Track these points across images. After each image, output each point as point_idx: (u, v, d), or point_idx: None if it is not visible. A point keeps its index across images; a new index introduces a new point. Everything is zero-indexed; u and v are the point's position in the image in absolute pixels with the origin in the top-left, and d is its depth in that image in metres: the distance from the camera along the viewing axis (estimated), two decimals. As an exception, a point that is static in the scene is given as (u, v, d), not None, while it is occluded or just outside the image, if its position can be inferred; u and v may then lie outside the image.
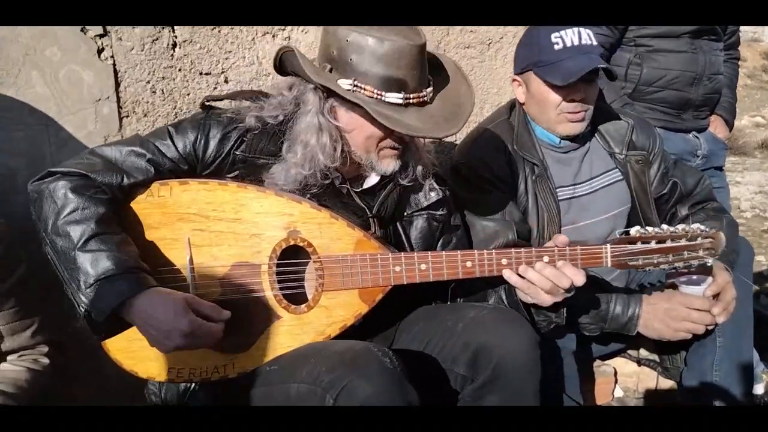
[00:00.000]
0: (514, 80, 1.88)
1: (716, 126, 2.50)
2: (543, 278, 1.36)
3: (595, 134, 1.93)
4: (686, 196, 1.96)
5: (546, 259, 1.39)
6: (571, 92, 1.74)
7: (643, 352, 2.12)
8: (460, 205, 1.78)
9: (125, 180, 1.33)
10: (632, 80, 2.33)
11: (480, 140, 1.88)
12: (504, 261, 1.39)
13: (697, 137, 2.44)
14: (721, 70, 2.41)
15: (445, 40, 2.25)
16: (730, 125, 2.56)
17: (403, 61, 1.30)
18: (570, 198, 1.87)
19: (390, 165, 1.41)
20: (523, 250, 1.40)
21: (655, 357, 2.09)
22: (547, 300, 1.39)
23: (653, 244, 1.43)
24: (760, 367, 2.17)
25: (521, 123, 1.88)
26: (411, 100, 1.32)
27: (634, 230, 1.43)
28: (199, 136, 1.39)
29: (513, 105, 1.94)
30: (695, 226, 1.46)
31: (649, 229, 1.44)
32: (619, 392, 2.13)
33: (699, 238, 1.45)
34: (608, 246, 1.42)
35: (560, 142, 1.87)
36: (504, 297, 1.51)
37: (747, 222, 5.27)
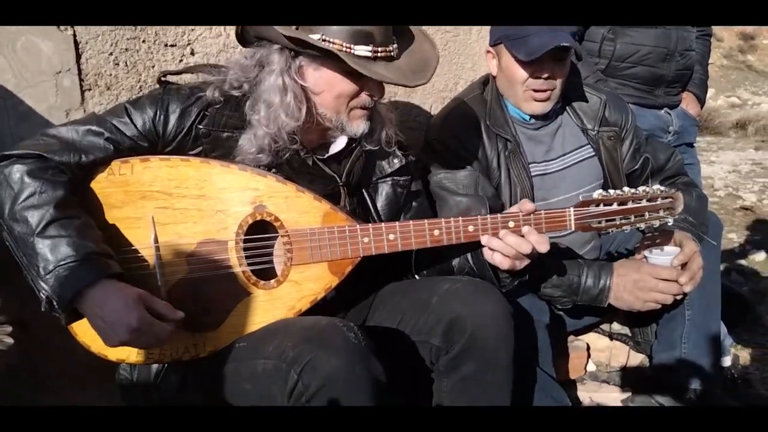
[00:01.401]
0: (488, 52, 1.88)
1: (688, 102, 2.52)
2: (507, 246, 1.38)
3: (568, 110, 1.93)
4: (657, 171, 1.98)
5: (511, 224, 1.40)
6: (537, 69, 1.74)
7: (616, 326, 2.15)
8: (433, 180, 1.77)
9: (83, 158, 1.29)
10: (606, 56, 2.34)
11: (453, 116, 1.88)
12: (470, 228, 1.40)
13: (668, 113, 2.46)
14: (693, 46, 2.42)
15: (419, 14, 2.21)
16: (701, 102, 2.59)
17: None
18: (542, 174, 1.87)
19: (360, 125, 1.41)
20: (489, 216, 1.41)
21: (627, 331, 2.12)
22: (517, 266, 1.41)
23: (615, 206, 1.46)
24: (728, 340, 2.21)
25: (494, 98, 1.87)
26: (379, 53, 1.33)
27: (597, 193, 1.46)
28: (158, 112, 1.35)
29: (486, 80, 1.93)
30: (656, 187, 1.50)
31: (611, 191, 1.47)
32: (591, 366, 2.16)
33: (659, 199, 1.49)
34: (571, 209, 1.45)
35: (530, 118, 1.86)
36: (470, 258, 1.52)
37: (720, 200, 5.36)
